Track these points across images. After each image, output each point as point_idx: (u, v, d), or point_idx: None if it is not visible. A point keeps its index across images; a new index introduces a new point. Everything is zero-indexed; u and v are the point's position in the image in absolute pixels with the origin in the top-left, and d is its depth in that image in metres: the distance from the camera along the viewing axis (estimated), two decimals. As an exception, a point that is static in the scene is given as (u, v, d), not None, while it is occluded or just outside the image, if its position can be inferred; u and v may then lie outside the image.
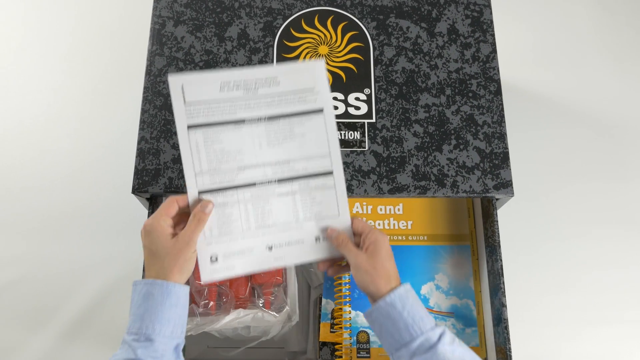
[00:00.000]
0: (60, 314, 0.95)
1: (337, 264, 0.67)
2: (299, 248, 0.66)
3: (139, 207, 0.88)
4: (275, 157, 0.66)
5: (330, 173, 0.66)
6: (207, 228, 0.64)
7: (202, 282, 0.65)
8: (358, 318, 0.79)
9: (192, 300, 0.80)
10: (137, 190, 0.75)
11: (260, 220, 0.65)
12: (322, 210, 0.66)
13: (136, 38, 1.11)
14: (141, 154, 0.77)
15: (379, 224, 0.83)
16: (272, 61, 0.83)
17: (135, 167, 0.76)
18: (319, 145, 0.66)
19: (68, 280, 0.97)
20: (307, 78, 0.67)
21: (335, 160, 0.66)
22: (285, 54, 0.83)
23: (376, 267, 0.61)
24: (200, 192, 0.64)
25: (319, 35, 0.85)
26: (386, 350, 0.61)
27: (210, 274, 0.64)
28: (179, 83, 0.64)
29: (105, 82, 1.12)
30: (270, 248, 0.65)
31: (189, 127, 0.64)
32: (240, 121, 0.65)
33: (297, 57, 0.83)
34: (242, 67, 0.69)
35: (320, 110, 0.67)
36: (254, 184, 0.65)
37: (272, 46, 0.84)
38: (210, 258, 0.64)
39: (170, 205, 0.62)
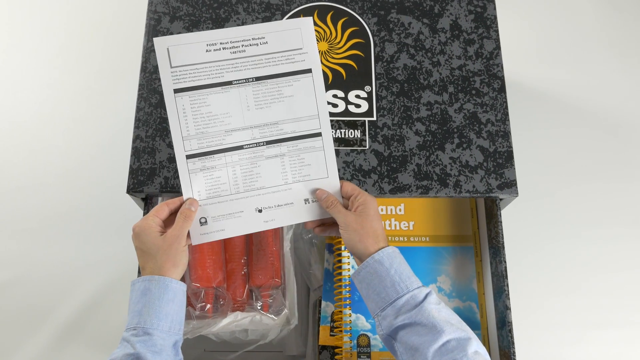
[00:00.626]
0: (54, 316, 0.95)
1: (326, 224, 0.69)
2: (289, 210, 0.68)
3: (134, 208, 0.88)
4: (263, 119, 0.68)
5: (319, 134, 0.69)
6: (196, 191, 0.66)
7: (192, 244, 0.67)
8: (358, 321, 0.79)
9: (189, 302, 0.80)
10: (132, 190, 0.75)
11: (249, 183, 0.67)
12: (311, 172, 0.68)
13: (131, 34, 1.11)
14: (136, 153, 0.77)
15: None
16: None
17: (130, 167, 0.76)
18: (307, 107, 0.68)
19: (62, 282, 0.97)
20: (295, 37, 0.69)
21: (323, 121, 0.68)
22: (284, 51, 0.83)
23: (364, 226, 0.63)
24: (187, 157, 0.66)
25: (318, 32, 0.85)
26: (372, 313, 0.63)
27: (200, 237, 0.66)
28: (164, 45, 0.66)
29: (99, 79, 1.12)
30: (260, 210, 0.67)
31: (176, 91, 0.66)
32: (227, 83, 0.67)
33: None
34: (228, 28, 0.71)
35: (309, 71, 0.68)
36: (242, 147, 0.67)
37: (271, 42, 0.83)
38: (200, 220, 0.66)
39: (160, 208, 0.64)
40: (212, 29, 0.84)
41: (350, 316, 0.79)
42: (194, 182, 0.67)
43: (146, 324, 0.58)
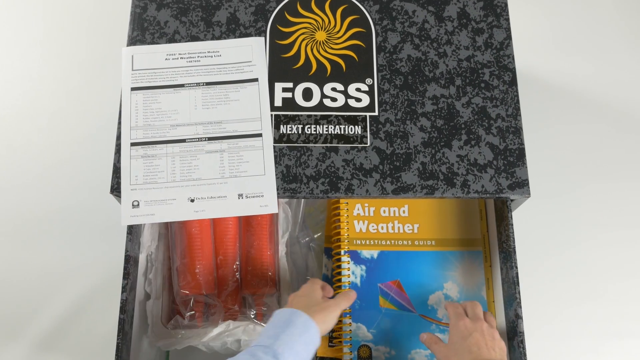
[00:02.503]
0: (32, 325, 0.95)
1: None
2: (221, 203, 0.74)
3: (117, 209, 0.88)
4: (208, 117, 0.78)
5: (259, 135, 0.77)
6: (133, 175, 0.75)
7: (122, 224, 0.73)
8: (359, 331, 0.79)
9: (177, 311, 0.81)
10: (115, 190, 0.76)
11: (186, 174, 0.75)
12: (249, 169, 0.76)
13: (115, 23, 1.11)
14: (120, 150, 0.77)
15: (382, 228, 0.84)
16: (266, 50, 0.83)
17: (114, 165, 0.77)
18: (251, 110, 0.78)
19: (41, 289, 0.97)
20: (246, 52, 0.81)
21: (265, 124, 0.78)
22: (279, 41, 0.83)
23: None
24: (132, 144, 0.76)
25: (316, 20, 0.85)
26: None
27: (130, 218, 0.74)
28: (130, 54, 0.81)
29: (81, 71, 1.12)
30: (192, 200, 0.74)
31: (132, 89, 0.79)
32: (180, 85, 0.79)
33: (292, 44, 0.83)
34: (188, 43, 0.83)
35: (256, 80, 0.80)
36: (184, 140, 0.77)
37: (265, 32, 0.84)
38: (132, 203, 0.74)
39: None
40: (202, 16, 0.84)
41: (350, 326, 0.79)
42: (133, 167, 0.75)
43: (279, 349, 0.62)
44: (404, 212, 0.85)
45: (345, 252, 0.82)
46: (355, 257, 0.82)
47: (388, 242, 0.83)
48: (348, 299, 0.74)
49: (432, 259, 0.82)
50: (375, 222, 0.84)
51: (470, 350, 0.67)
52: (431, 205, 0.86)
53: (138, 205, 0.74)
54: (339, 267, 0.81)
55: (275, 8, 0.85)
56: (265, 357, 0.60)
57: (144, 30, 0.84)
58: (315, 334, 0.66)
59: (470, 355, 0.67)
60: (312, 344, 0.65)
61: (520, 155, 0.78)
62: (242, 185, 0.75)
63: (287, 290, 0.83)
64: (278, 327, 0.65)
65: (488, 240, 0.84)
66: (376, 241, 0.83)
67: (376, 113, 0.80)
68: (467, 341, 0.68)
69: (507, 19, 0.85)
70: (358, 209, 0.85)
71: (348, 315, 0.80)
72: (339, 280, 0.81)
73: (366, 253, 0.82)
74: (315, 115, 0.80)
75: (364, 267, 0.81)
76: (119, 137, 0.78)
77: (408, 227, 0.84)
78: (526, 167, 0.78)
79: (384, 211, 0.85)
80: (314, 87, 0.81)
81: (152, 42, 0.83)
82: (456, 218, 0.85)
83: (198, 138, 0.77)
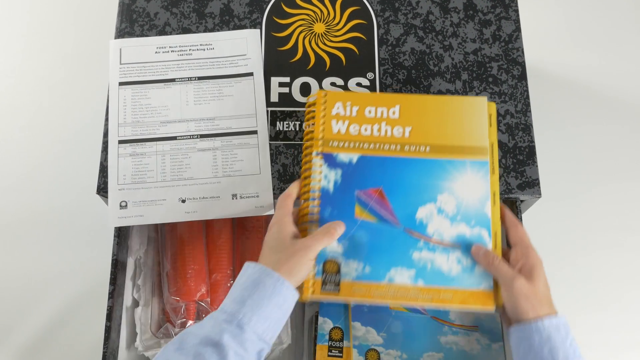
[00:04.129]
0: (14, 334, 0.95)
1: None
2: (214, 204, 0.74)
3: (104, 210, 0.88)
4: (200, 114, 0.78)
5: (254, 132, 0.77)
6: (121, 174, 0.75)
7: (109, 226, 0.74)
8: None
9: (167, 319, 0.81)
10: (102, 190, 0.76)
11: (177, 173, 0.75)
12: (243, 167, 0.76)
13: (102, 14, 1.11)
14: (107, 148, 0.77)
15: (365, 129, 0.75)
16: (261, 42, 0.83)
17: (101, 164, 0.77)
18: (245, 106, 0.79)
19: (23, 296, 0.97)
20: (240, 45, 0.82)
21: (260, 120, 0.78)
22: (275, 33, 0.84)
23: (537, 293, 0.64)
24: (120, 142, 0.76)
25: (314, 11, 0.85)
26: None
27: (117, 220, 0.74)
28: (117, 47, 0.81)
29: (65, 65, 1.13)
30: (184, 201, 0.74)
31: (120, 84, 0.79)
32: (170, 80, 0.79)
33: (289, 37, 0.84)
34: (180, 35, 0.83)
35: (250, 74, 0.80)
36: (175, 138, 0.77)
37: (260, 23, 0.84)
38: (120, 204, 0.74)
39: (289, 202, 0.69)
40: (194, 7, 0.85)
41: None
42: (121, 166, 0.75)
43: (245, 317, 0.59)
44: (394, 113, 0.76)
45: (317, 153, 0.74)
46: (330, 160, 0.74)
47: (371, 146, 0.74)
48: (329, 234, 0.67)
49: (425, 167, 0.74)
50: (357, 123, 0.76)
51: (549, 299, 0.65)
52: (429, 106, 0.77)
53: (126, 206, 0.74)
54: (308, 169, 0.74)
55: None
56: (228, 327, 0.58)
57: (133, 22, 0.84)
58: (289, 292, 0.62)
59: (551, 305, 0.65)
60: (285, 304, 0.62)
61: (530, 153, 0.79)
62: (237, 185, 0.75)
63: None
64: (246, 289, 0.61)
65: (497, 150, 0.76)
66: (357, 144, 0.75)
67: (378, 109, 0.80)
68: (547, 288, 0.66)
69: (516, 10, 0.86)
70: (338, 108, 0.76)
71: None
72: (307, 185, 0.73)
73: (343, 156, 0.74)
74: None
75: (339, 172, 0.73)
76: (106, 135, 0.78)
77: (398, 129, 0.75)
78: (537, 166, 0.78)
79: (370, 111, 0.76)
80: (312, 82, 0.81)
81: (142, 35, 0.83)
82: (458, 121, 0.76)
83: (190, 135, 0.77)
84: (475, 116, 0.76)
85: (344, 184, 0.73)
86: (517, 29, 0.85)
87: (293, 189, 0.71)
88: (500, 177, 0.77)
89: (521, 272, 0.65)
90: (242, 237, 0.85)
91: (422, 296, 0.69)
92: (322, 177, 0.73)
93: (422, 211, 0.72)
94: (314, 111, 0.76)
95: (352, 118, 0.76)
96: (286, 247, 0.65)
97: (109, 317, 0.72)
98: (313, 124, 0.75)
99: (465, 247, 0.71)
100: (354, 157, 0.74)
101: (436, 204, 0.72)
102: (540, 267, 0.66)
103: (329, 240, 0.67)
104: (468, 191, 0.73)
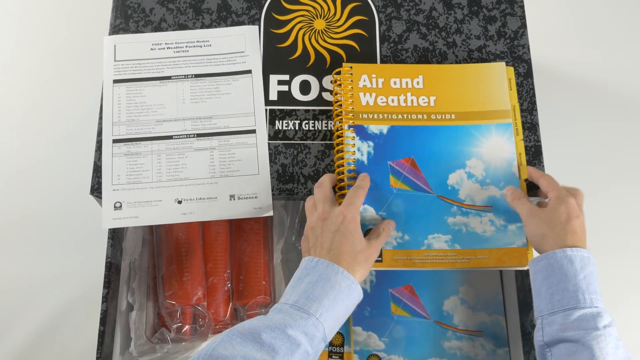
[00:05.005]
0: (5, 340, 0.95)
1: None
2: (212, 205, 0.75)
3: (98, 211, 0.88)
4: (197, 112, 0.78)
5: (253, 131, 0.78)
6: (115, 174, 0.75)
7: (103, 228, 0.73)
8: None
9: (162, 323, 0.81)
10: (96, 190, 0.76)
11: (173, 173, 0.75)
12: (241, 168, 0.76)
13: (96, 9, 1.11)
14: (101, 147, 0.77)
15: (392, 101, 0.79)
16: (260, 39, 0.83)
17: (95, 163, 0.77)
18: (243, 105, 0.79)
19: (14, 300, 0.97)
20: (238, 42, 0.82)
21: (259, 119, 0.78)
22: (274, 29, 0.84)
23: (554, 227, 0.66)
24: (114, 141, 0.77)
25: (314, 7, 0.85)
26: (536, 312, 0.65)
27: (111, 221, 0.74)
28: (112, 43, 0.82)
29: (58, 62, 1.13)
30: (180, 202, 0.74)
31: (115, 81, 0.79)
32: (166, 78, 0.79)
33: (288, 33, 0.84)
34: (176, 31, 0.84)
35: (249, 72, 0.80)
36: (171, 137, 0.77)
37: (259, 20, 0.84)
38: (114, 205, 0.74)
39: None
40: (190, 3, 0.85)
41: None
42: (115, 165, 0.76)
43: (311, 308, 0.59)
44: (417, 83, 0.81)
45: (349, 126, 0.78)
46: (362, 133, 0.77)
47: (400, 117, 0.79)
48: (386, 234, 0.71)
49: (452, 134, 0.78)
50: (384, 95, 0.80)
51: (574, 230, 0.66)
52: (450, 75, 0.82)
53: (121, 207, 0.74)
54: (341, 143, 0.77)
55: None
56: (296, 313, 0.59)
57: (128, 17, 0.84)
58: (358, 296, 0.64)
59: (573, 236, 0.66)
60: (352, 308, 0.64)
61: (536, 153, 0.79)
62: (234, 186, 0.75)
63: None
64: (312, 283, 0.61)
65: (519, 111, 0.81)
66: (386, 115, 0.79)
67: (380, 107, 0.80)
68: (573, 221, 0.66)
69: (522, 6, 0.86)
70: (364, 80, 0.80)
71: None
72: (342, 158, 0.76)
73: (374, 128, 0.78)
74: (314, 110, 0.80)
75: (371, 144, 0.77)
76: (100, 134, 0.78)
77: (423, 99, 0.80)
78: (543, 166, 0.78)
79: (395, 82, 0.80)
80: (312, 80, 0.82)
81: (137, 31, 0.83)
82: (480, 88, 0.81)
83: (186, 134, 0.77)
84: (495, 81, 0.81)
85: (377, 155, 0.77)
86: (523, 25, 0.85)
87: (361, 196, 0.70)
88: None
89: (543, 208, 0.68)
90: (239, 239, 0.85)
91: (460, 259, 0.73)
92: (356, 149, 0.76)
93: (452, 177, 0.77)
94: (340, 85, 0.80)
95: (379, 90, 0.80)
96: (363, 248, 0.66)
97: (103, 321, 0.72)
98: (342, 97, 0.79)
99: (497, 208, 0.75)
100: (384, 128, 0.78)
101: (465, 169, 0.77)
102: (564, 201, 0.67)
103: (384, 240, 0.70)
104: (495, 154, 0.77)
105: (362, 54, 0.83)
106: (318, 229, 0.66)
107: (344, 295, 0.61)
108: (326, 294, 0.60)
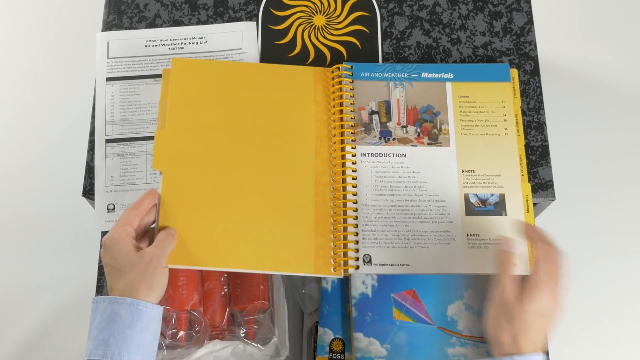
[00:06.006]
0: (-7, 347, 0.95)
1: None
2: None
3: (91, 214, 0.88)
4: None
5: None
6: (108, 175, 0.75)
7: (95, 230, 0.74)
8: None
9: (157, 329, 0.80)
10: (88, 192, 0.76)
11: None
12: None
13: (88, 5, 1.11)
14: (94, 147, 0.77)
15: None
16: (257, 35, 0.83)
17: (87, 164, 0.77)
18: None
19: (4, 305, 0.97)
20: (235, 38, 0.82)
21: None
22: (273, 26, 0.84)
23: (515, 324, 0.61)
24: (107, 141, 0.77)
25: (314, 3, 0.85)
26: None
27: (105, 223, 0.74)
28: (105, 40, 0.82)
29: (50, 59, 1.13)
30: None
31: (108, 79, 0.79)
32: (161, 76, 0.76)
33: (287, 29, 0.84)
34: (171, 27, 0.84)
35: None
36: None
37: (257, 15, 0.84)
38: (107, 207, 0.75)
39: (131, 215, 0.64)
40: (186, -1, 0.85)
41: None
42: (108, 166, 0.76)
43: (114, 358, 0.58)
44: None
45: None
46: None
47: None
48: (170, 235, 0.65)
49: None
50: None
51: (546, 328, 0.62)
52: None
53: (114, 209, 0.74)
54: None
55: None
56: None
57: (121, 13, 0.84)
58: (148, 311, 0.61)
59: (542, 334, 0.61)
60: (151, 323, 0.62)
61: (543, 153, 0.79)
62: None
63: (281, 307, 0.82)
64: (104, 328, 0.59)
65: (521, 118, 0.77)
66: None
67: (381, 106, 0.80)
68: (541, 320, 0.61)
69: (529, 2, 0.86)
70: None
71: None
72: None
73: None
74: (313, 109, 0.80)
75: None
76: (92, 134, 0.78)
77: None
78: (550, 167, 0.78)
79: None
80: (312, 78, 0.81)
81: (130, 27, 0.83)
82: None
83: None
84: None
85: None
86: (530, 21, 0.85)
87: (135, 209, 0.65)
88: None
89: (520, 294, 0.62)
90: (237, 242, 0.84)
91: None
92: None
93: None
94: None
95: None
96: (134, 263, 0.62)
97: (95, 327, 0.72)
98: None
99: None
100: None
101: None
102: (540, 290, 0.62)
103: (174, 241, 0.66)
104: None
105: (364, 51, 0.83)
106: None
107: (128, 323, 0.60)
108: (112, 334, 0.59)
